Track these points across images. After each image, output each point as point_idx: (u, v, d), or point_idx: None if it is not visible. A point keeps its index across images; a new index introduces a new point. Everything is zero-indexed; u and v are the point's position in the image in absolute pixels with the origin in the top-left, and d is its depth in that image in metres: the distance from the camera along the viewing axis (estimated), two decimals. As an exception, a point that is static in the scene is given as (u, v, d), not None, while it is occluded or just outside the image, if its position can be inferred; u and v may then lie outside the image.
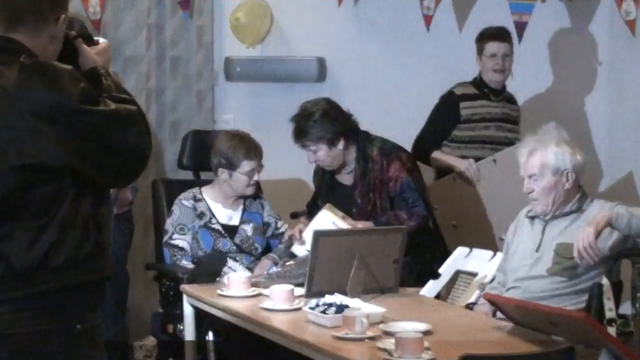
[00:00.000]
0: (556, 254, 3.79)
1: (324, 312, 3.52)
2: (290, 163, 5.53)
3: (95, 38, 2.88)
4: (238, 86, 5.91)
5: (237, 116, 5.90)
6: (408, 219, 4.58)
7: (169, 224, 4.67)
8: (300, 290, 3.92)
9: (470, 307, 3.94)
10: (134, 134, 2.67)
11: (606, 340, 3.16)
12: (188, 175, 5.26)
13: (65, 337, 2.64)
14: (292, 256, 4.52)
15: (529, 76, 5.22)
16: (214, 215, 4.69)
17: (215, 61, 5.84)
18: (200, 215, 4.67)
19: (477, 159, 4.99)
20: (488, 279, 4.05)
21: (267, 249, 4.77)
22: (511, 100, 5.27)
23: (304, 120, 4.66)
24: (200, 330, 4.34)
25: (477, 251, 4.29)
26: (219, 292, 4.05)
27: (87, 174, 2.63)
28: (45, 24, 2.69)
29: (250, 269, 4.57)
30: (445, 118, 5.15)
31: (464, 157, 5.02)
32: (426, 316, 3.58)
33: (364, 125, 4.80)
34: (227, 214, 4.73)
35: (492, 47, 5.10)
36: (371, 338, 3.27)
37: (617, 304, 3.66)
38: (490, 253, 4.21)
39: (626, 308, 3.83)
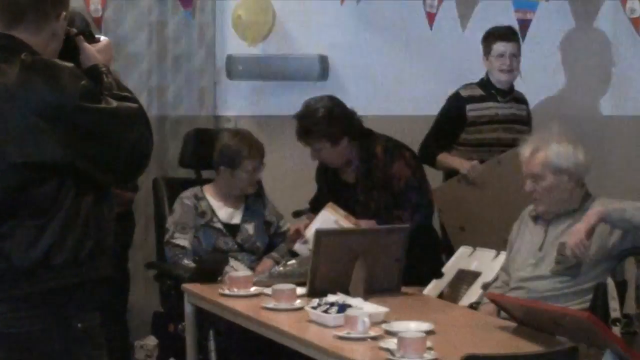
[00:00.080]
0: (559, 254, 3.77)
1: (326, 311, 3.51)
2: (292, 161, 5.53)
3: (97, 35, 2.88)
4: (240, 84, 5.90)
5: (239, 114, 5.89)
6: (411, 218, 4.57)
7: (170, 223, 4.65)
8: (302, 290, 3.91)
9: (474, 306, 3.94)
10: (136, 132, 2.68)
11: (610, 340, 3.16)
12: (189, 173, 5.24)
13: (66, 337, 2.65)
14: (294, 255, 4.51)
15: (532, 74, 5.19)
16: (215, 214, 4.68)
17: (217, 59, 5.84)
18: (202, 214, 4.66)
19: (484, 162, 4.94)
20: (491, 279, 4.04)
21: (269, 248, 4.75)
22: (520, 100, 5.21)
23: (307, 118, 4.64)
24: (202, 329, 4.33)
25: (480, 250, 4.29)
26: (220, 291, 4.05)
27: (88, 172, 2.64)
28: (46, 22, 2.69)
29: (252, 268, 4.55)
30: (451, 120, 5.10)
31: (471, 159, 4.97)
32: (429, 316, 3.58)
33: (366, 124, 4.78)
34: (228, 213, 4.71)
35: (499, 47, 5.05)
36: (373, 338, 3.26)
37: (622, 303, 3.65)
38: (493, 252, 4.20)
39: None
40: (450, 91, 5.21)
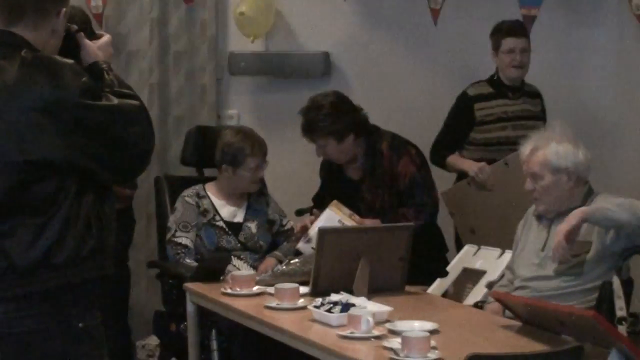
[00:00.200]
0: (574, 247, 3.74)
1: (329, 310, 3.50)
2: (295, 159, 5.52)
3: (97, 32, 2.87)
4: (242, 81, 5.89)
5: (241, 112, 5.88)
6: (415, 217, 4.56)
7: (172, 222, 4.64)
8: (305, 289, 3.90)
9: (479, 305, 3.92)
10: (137, 130, 2.69)
11: (616, 340, 3.14)
12: (191, 171, 5.23)
13: (67, 336, 2.66)
14: (297, 254, 4.49)
15: (536, 71, 5.16)
16: (217, 213, 4.67)
17: (219, 56, 5.81)
18: (204, 213, 4.65)
19: (494, 162, 4.90)
20: (496, 277, 4.02)
21: (272, 247, 4.74)
22: (533, 94, 5.14)
23: (313, 114, 4.63)
24: (204, 329, 4.32)
25: (485, 249, 4.28)
26: (222, 290, 4.03)
27: (89, 170, 2.65)
28: (46, 18, 2.70)
29: (255, 267, 4.55)
30: (459, 121, 5.04)
31: (482, 159, 4.93)
32: (433, 315, 3.57)
33: (369, 121, 4.75)
34: (231, 211, 4.70)
35: (509, 42, 4.99)
36: (377, 337, 3.25)
37: (628, 302, 3.63)
38: (498, 251, 4.19)
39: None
40: (455, 88, 5.19)
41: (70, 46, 2.77)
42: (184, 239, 4.58)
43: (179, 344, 4.49)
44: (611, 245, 3.68)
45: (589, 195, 3.85)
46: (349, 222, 4.48)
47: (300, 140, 4.78)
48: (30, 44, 2.65)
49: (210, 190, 4.73)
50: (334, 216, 4.51)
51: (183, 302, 4.30)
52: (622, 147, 5.48)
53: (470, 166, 4.91)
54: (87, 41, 2.80)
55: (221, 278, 4.27)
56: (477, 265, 4.20)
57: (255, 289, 4.01)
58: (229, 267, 4.39)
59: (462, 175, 5.02)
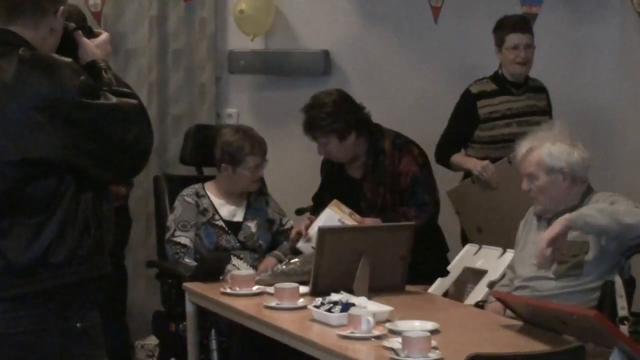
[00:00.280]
0: (560, 254, 3.74)
1: (329, 310, 3.49)
2: (295, 158, 5.51)
3: (95, 30, 2.86)
4: (242, 79, 5.88)
5: (241, 110, 5.87)
6: (416, 216, 4.55)
7: (171, 221, 4.63)
8: (305, 288, 3.89)
9: (480, 305, 3.92)
10: (135, 129, 2.70)
11: (617, 339, 3.13)
12: (191, 170, 5.23)
13: (65, 336, 2.66)
14: (297, 253, 4.48)
15: (538, 68, 5.15)
16: (217, 212, 4.66)
17: (218, 54, 5.80)
18: (203, 212, 4.64)
19: (499, 160, 4.88)
20: (497, 277, 4.01)
21: (272, 246, 4.73)
22: (538, 89, 5.10)
23: (315, 112, 4.62)
24: (203, 329, 4.32)
25: (486, 248, 4.27)
26: (222, 290, 4.02)
27: (87, 169, 2.66)
28: (43, 16, 2.70)
29: (254, 267, 4.54)
30: (462, 119, 5.01)
31: (487, 158, 4.90)
32: (434, 314, 3.56)
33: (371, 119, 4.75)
34: (230, 211, 4.69)
35: (513, 39, 4.94)
36: (377, 337, 3.25)
37: (630, 302, 3.62)
38: (499, 250, 4.18)
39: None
40: (456, 86, 5.18)
41: (68, 45, 2.77)
42: (183, 239, 4.57)
43: (178, 344, 4.48)
44: (606, 244, 3.68)
45: (587, 194, 3.85)
46: (349, 221, 4.47)
47: (301, 139, 4.76)
48: (28, 43, 2.65)
49: (210, 189, 4.72)
50: (334, 215, 4.50)
51: (182, 301, 4.29)
52: (625, 144, 5.47)
53: (474, 165, 4.89)
54: (85, 39, 2.80)
55: (220, 278, 4.26)
56: (478, 264, 4.19)
57: (255, 288, 4.00)
58: (229, 267, 4.38)
59: (468, 174, 5.00)
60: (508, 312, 3.67)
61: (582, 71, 5.58)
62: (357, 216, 4.52)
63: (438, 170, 4.93)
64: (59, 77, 2.58)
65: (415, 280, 4.15)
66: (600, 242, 3.67)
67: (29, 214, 2.58)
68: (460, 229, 5.04)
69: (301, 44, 5.80)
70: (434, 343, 3.06)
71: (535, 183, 3.83)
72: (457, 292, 4.17)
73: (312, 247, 4.23)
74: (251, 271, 4.31)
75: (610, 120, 5.54)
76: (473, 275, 4.17)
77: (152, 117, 4.63)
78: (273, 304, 3.74)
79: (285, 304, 3.72)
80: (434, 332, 3.25)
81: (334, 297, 3.61)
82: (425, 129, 5.16)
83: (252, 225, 4.69)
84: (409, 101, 5.67)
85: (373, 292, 3.82)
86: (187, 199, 4.66)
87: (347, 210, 4.53)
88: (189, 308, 4.23)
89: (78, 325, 2.65)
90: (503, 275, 4.00)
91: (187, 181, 4.89)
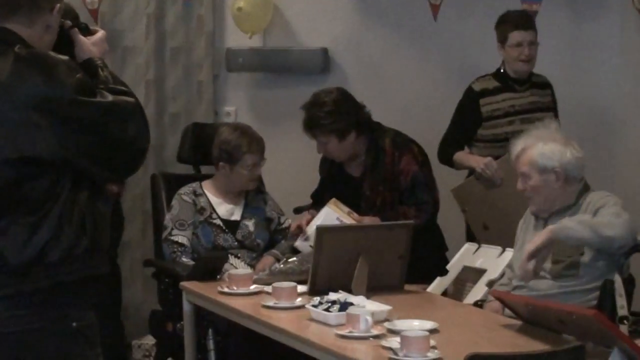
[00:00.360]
0: (555, 253, 3.73)
1: (327, 309, 3.48)
2: (293, 157, 5.50)
3: (92, 28, 2.86)
4: (240, 77, 5.87)
5: (239, 108, 5.86)
6: (416, 215, 4.54)
7: (168, 220, 4.62)
8: (303, 288, 3.88)
9: (479, 304, 3.91)
10: (132, 127, 2.70)
11: (617, 339, 3.12)
12: (188, 169, 5.22)
13: (61, 336, 2.66)
14: (295, 252, 4.47)
15: (538, 67, 5.13)
16: (214, 211, 4.65)
17: (216, 52, 5.79)
18: (201, 211, 4.63)
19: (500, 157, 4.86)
20: (496, 276, 4.01)
21: (270, 245, 4.72)
22: (542, 85, 5.05)
23: (315, 111, 4.61)
24: (200, 328, 4.31)
25: (485, 247, 4.27)
26: (219, 289, 4.02)
27: (83, 167, 2.66)
28: (39, 14, 2.71)
29: (252, 266, 4.53)
30: (465, 117, 4.97)
31: (490, 156, 4.88)
32: (433, 314, 3.55)
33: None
34: (228, 209, 4.68)
35: (516, 36, 4.88)
36: (376, 336, 3.24)
37: (630, 301, 3.61)
38: (498, 249, 4.18)
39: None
40: (456, 84, 5.18)
41: (65, 42, 2.77)
42: (181, 238, 4.56)
43: (175, 344, 4.48)
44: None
45: (583, 193, 3.84)
46: (348, 220, 4.46)
47: (299, 137, 4.75)
48: (24, 40, 2.65)
49: (207, 188, 4.71)
50: (332, 214, 4.50)
51: (179, 301, 4.28)
52: (626, 141, 5.47)
53: (477, 162, 4.86)
54: (81, 37, 2.81)
55: (218, 277, 4.25)
56: (478, 263, 4.19)
57: (253, 287, 3.99)
58: (226, 266, 4.37)
59: (471, 172, 4.97)
60: (507, 311, 3.67)
61: (582, 69, 5.57)
62: (356, 215, 4.52)
63: (441, 170, 4.92)
64: (55, 75, 2.58)
65: (414, 279, 4.14)
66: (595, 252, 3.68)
67: (25, 212, 2.58)
68: (465, 227, 5.02)
69: (300, 41, 5.79)
70: (432, 342, 3.05)
71: (529, 183, 3.84)
72: (456, 291, 4.17)
73: (310, 246, 4.22)
74: (249, 270, 4.30)
75: (611, 119, 5.53)
76: (472, 274, 4.17)
77: (150, 115, 4.63)
78: (271, 303, 3.73)
79: (283, 303, 3.71)
80: (432, 331, 3.24)
81: (332, 296, 3.60)
82: (424, 126, 5.16)
83: (249, 224, 4.68)
84: (408, 99, 5.66)
85: (371, 291, 3.81)
86: (185, 197, 4.65)
87: (346, 208, 4.52)
88: (186, 307, 4.21)
89: (74, 324, 2.65)
90: (502, 274, 4.01)
91: (184, 180, 4.87)
